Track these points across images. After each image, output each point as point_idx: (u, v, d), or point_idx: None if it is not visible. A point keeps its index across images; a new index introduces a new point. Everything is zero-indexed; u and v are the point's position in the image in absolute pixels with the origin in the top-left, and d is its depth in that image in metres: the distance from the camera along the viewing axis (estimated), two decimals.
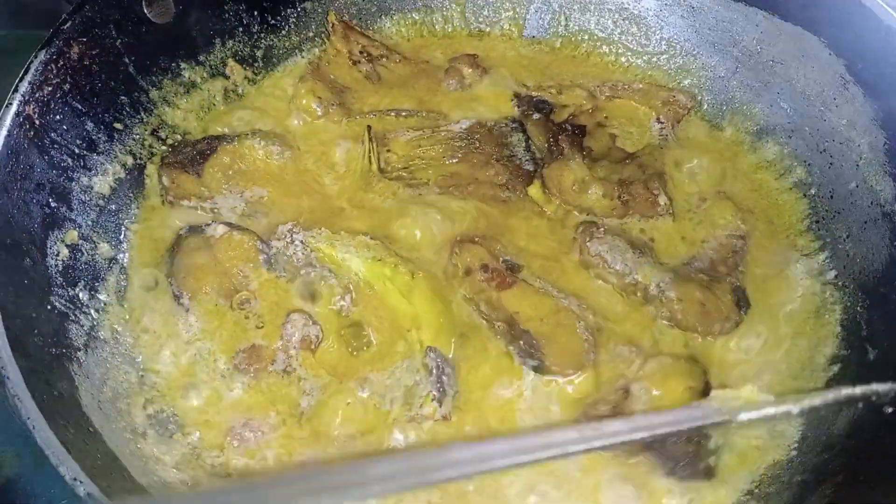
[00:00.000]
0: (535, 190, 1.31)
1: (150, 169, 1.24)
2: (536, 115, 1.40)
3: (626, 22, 1.53)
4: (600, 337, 1.14)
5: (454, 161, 1.33)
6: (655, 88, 1.46)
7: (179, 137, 1.28)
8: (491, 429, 1.07)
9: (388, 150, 1.34)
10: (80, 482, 0.76)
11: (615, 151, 1.38)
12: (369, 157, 1.31)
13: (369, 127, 1.33)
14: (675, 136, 1.41)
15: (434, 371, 1.07)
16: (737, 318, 1.18)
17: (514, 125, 1.36)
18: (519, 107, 1.41)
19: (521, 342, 1.11)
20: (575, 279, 1.20)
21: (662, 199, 1.28)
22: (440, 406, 1.05)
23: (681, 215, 1.30)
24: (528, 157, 1.33)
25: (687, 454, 1.03)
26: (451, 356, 1.10)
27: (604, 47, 1.54)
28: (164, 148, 1.26)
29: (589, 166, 1.32)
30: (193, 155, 1.24)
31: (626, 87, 1.46)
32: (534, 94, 1.43)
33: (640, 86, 1.46)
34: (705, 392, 1.06)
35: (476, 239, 1.20)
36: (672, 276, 1.19)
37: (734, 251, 1.26)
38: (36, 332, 0.94)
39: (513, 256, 1.20)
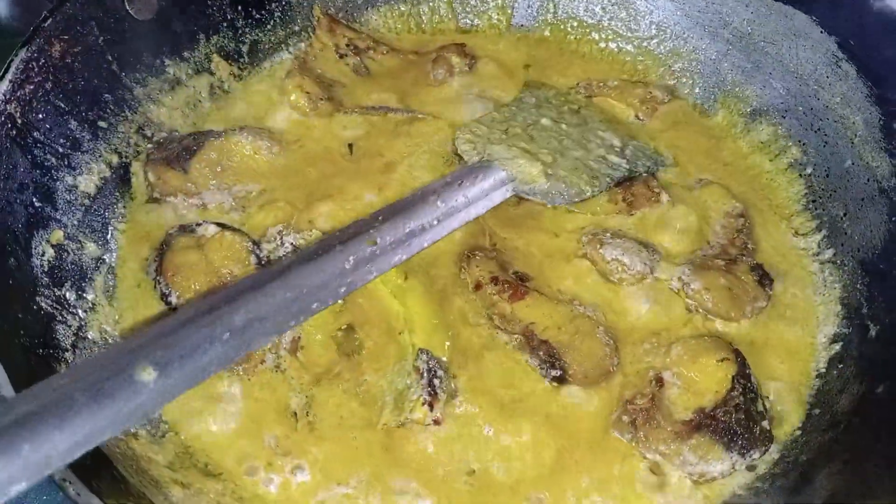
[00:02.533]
0: None
1: (136, 167, 1.23)
2: None
3: (615, 7, 1.52)
4: (621, 336, 1.12)
5: None
6: (631, 85, 1.44)
7: (165, 135, 1.26)
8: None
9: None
10: (69, 482, 0.74)
11: None
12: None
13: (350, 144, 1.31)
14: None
15: (425, 374, 1.04)
16: (765, 298, 1.16)
17: None
18: None
19: (542, 353, 1.08)
20: (584, 283, 1.17)
21: (664, 196, 1.26)
22: (431, 410, 1.02)
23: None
24: None
25: (739, 422, 1.01)
26: (444, 359, 1.07)
27: (593, 34, 1.53)
28: (149, 145, 1.24)
29: None
30: (180, 151, 1.21)
31: (602, 85, 1.44)
32: None
33: (616, 83, 1.44)
34: (740, 360, 1.04)
35: (483, 251, 1.18)
36: (690, 268, 1.17)
37: (738, 230, 1.24)
38: (22, 332, 0.92)
39: (521, 266, 1.18)
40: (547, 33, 1.54)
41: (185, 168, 1.21)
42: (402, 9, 1.52)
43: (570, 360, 1.07)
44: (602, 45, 1.53)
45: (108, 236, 1.16)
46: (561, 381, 1.07)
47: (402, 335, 1.09)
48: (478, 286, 1.13)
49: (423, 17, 1.53)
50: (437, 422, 1.03)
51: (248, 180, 1.24)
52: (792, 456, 1.04)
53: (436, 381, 1.04)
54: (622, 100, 1.43)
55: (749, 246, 1.24)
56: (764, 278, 1.19)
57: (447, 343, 1.08)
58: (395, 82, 1.41)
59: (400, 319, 1.10)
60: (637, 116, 1.42)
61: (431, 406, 1.02)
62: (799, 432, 1.07)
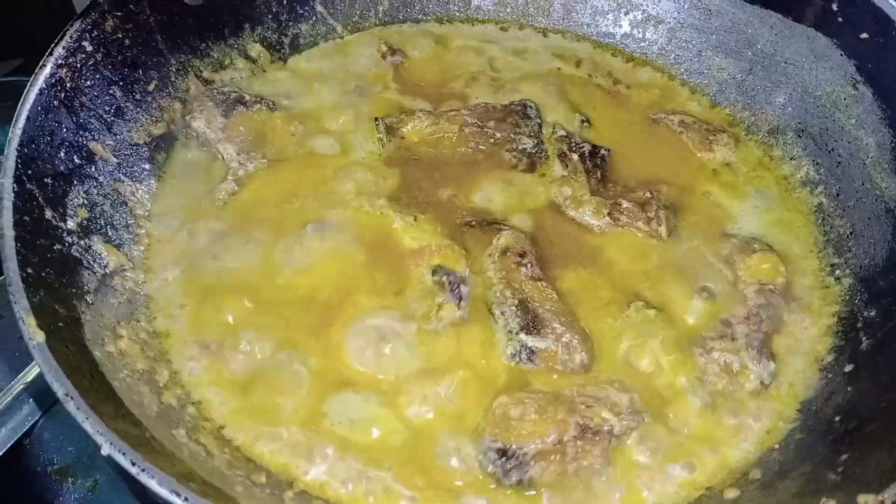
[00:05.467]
0: None
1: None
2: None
3: (644, 24, 1.56)
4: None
5: (468, 150, 1.37)
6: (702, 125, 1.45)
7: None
8: None
9: (402, 138, 1.38)
10: (71, 398, 0.81)
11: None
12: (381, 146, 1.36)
13: (377, 119, 1.37)
14: None
15: (447, 285, 1.13)
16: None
17: (526, 109, 1.39)
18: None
19: (529, 317, 1.12)
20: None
21: (662, 230, 1.27)
22: (458, 308, 1.12)
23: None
24: (533, 144, 1.36)
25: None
26: (462, 273, 1.16)
27: (619, 49, 1.58)
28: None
29: (594, 186, 1.32)
30: (228, 100, 1.32)
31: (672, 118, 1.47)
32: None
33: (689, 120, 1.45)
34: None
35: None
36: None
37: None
38: (49, 271, 1.00)
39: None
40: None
41: (226, 114, 1.31)
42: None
43: (549, 337, 1.11)
44: (626, 61, 1.57)
45: (143, 194, 1.24)
46: (530, 356, 1.10)
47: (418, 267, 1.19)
48: (505, 251, 1.18)
49: None
50: (463, 318, 1.12)
51: (265, 152, 1.33)
52: (771, 455, 1.06)
53: (461, 289, 1.14)
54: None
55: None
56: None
57: (467, 262, 1.19)
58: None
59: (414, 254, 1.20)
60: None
61: (458, 305, 1.13)
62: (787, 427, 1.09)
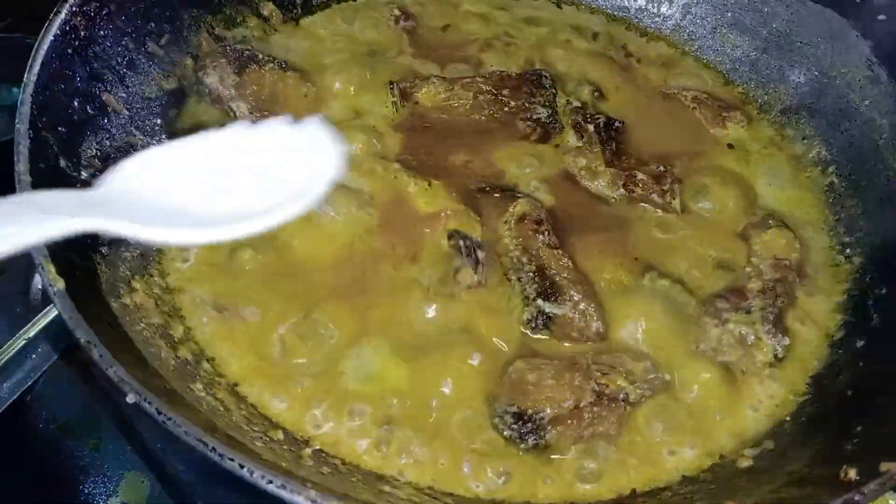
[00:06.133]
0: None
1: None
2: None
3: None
4: None
5: (482, 118, 1.35)
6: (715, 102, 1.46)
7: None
8: None
9: (416, 104, 1.37)
10: (94, 345, 0.80)
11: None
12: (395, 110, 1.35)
13: (392, 83, 1.36)
14: None
15: (463, 249, 1.11)
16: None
17: (541, 78, 1.38)
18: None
19: (546, 283, 1.11)
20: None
21: (676, 203, 1.28)
22: (475, 273, 1.10)
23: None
24: (547, 115, 1.35)
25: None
26: (477, 238, 1.15)
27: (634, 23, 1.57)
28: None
29: (608, 158, 1.32)
30: (241, 58, 1.29)
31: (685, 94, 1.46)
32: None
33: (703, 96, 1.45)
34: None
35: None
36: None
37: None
38: None
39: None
40: None
41: (238, 72, 1.28)
42: None
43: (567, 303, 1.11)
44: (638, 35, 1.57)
45: (156, 147, 1.21)
46: (547, 323, 1.10)
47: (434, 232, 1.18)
48: (521, 218, 1.17)
49: None
50: (480, 283, 1.11)
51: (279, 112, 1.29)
52: (783, 427, 1.07)
53: (478, 253, 1.13)
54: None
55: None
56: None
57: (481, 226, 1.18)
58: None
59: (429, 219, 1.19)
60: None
61: (475, 270, 1.11)
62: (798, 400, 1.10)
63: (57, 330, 1.20)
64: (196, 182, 0.78)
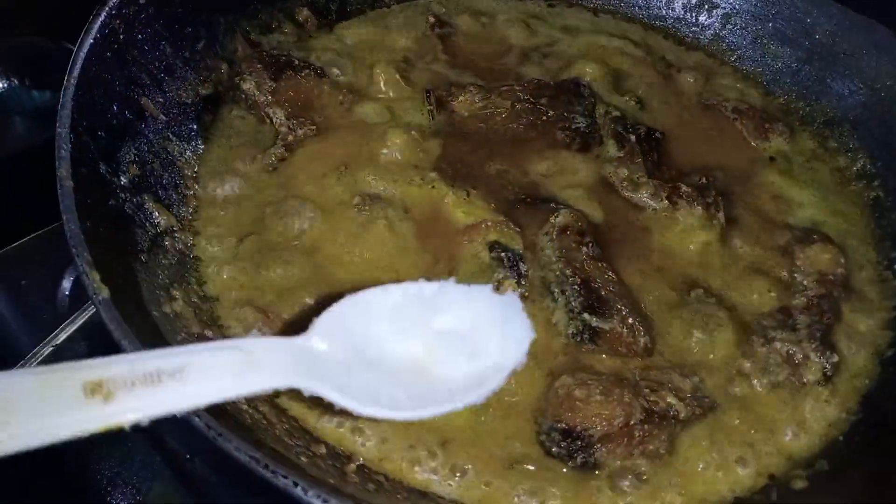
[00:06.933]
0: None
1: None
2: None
3: (697, 8, 1.54)
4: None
5: (519, 127, 1.33)
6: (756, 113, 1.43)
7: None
8: None
9: (452, 112, 1.35)
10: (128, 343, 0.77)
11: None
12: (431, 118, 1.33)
13: (428, 91, 1.33)
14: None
15: (506, 261, 1.09)
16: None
17: (579, 87, 1.36)
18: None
19: (592, 296, 1.08)
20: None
21: (720, 216, 1.24)
22: (519, 285, 1.08)
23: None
24: (586, 124, 1.33)
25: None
26: (521, 251, 1.12)
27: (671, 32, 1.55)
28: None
29: (650, 169, 1.29)
30: (277, 64, 1.28)
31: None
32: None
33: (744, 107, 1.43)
34: None
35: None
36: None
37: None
38: (105, 224, 0.95)
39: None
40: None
41: (276, 78, 1.27)
42: None
43: (615, 318, 1.08)
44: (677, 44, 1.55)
45: (192, 153, 1.20)
46: (593, 335, 1.06)
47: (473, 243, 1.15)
48: (564, 229, 1.15)
49: None
50: (525, 296, 1.09)
51: (315, 121, 1.28)
52: (837, 447, 1.04)
53: (520, 266, 1.11)
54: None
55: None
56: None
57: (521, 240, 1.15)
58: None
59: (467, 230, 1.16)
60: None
61: (518, 281, 1.09)
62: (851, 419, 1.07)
63: (86, 336, 1.18)
64: (396, 337, 0.84)
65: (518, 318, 0.94)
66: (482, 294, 0.93)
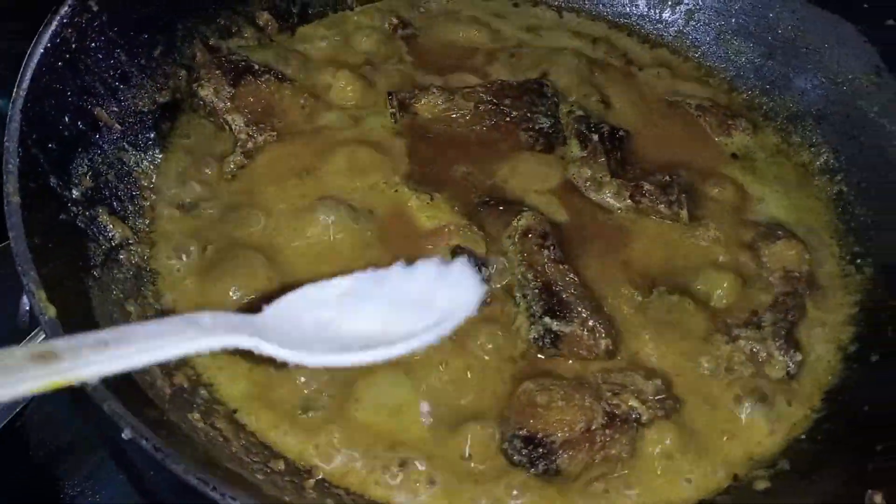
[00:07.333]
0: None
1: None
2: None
3: (661, 4, 1.53)
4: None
5: (483, 129, 1.32)
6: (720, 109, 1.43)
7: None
8: None
9: (415, 115, 1.34)
10: None
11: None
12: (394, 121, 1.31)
13: (391, 93, 1.32)
14: None
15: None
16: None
17: (543, 87, 1.35)
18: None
19: (553, 300, 1.08)
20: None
21: (683, 214, 1.24)
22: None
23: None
24: (549, 124, 1.32)
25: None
26: (484, 255, 1.12)
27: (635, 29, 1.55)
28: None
29: (613, 168, 1.28)
30: (236, 69, 1.26)
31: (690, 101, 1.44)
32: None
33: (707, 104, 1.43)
34: None
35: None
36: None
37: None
38: (55, 240, 0.94)
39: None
40: None
41: (234, 84, 1.25)
42: None
43: (576, 321, 1.07)
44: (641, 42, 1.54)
45: (148, 163, 1.18)
46: (554, 341, 1.06)
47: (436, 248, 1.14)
48: (526, 232, 1.14)
49: None
50: (488, 302, 1.08)
51: (276, 127, 1.27)
52: (800, 445, 1.04)
53: (483, 270, 1.09)
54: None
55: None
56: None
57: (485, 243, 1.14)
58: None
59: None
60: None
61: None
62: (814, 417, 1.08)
63: None
64: (346, 313, 0.86)
65: (467, 276, 0.95)
66: (429, 267, 0.92)
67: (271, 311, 0.84)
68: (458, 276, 0.94)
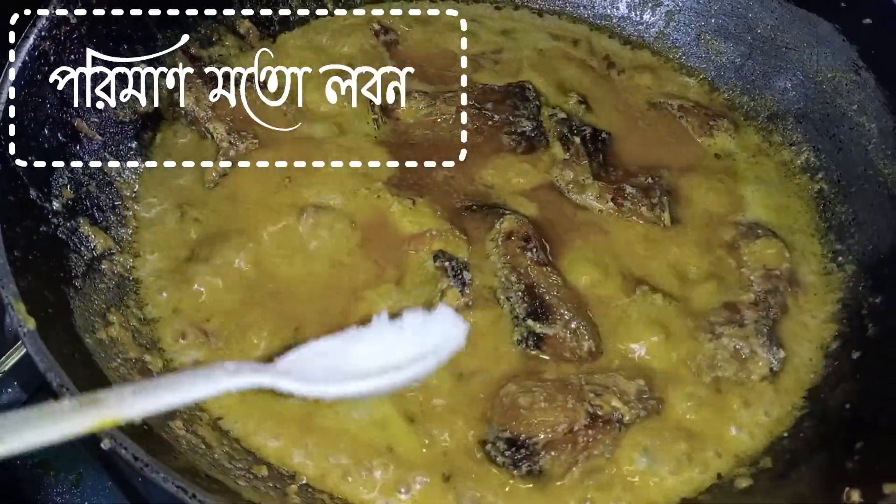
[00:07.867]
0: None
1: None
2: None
3: (641, 6, 1.54)
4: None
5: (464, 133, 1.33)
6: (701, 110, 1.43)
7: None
8: None
9: (398, 120, 1.34)
10: (67, 388, 0.76)
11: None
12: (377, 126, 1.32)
13: (371, 101, 1.32)
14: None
15: (449, 270, 1.09)
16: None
17: (525, 90, 1.36)
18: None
19: (536, 302, 1.09)
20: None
21: (665, 216, 1.24)
22: (462, 295, 1.07)
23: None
24: (532, 127, 1.32)
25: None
26: (464, 258, 1.12)
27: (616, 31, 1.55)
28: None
29: (596, 170, 1.29)
30: (217, 78, 1.26)
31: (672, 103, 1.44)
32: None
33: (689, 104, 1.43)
34: None
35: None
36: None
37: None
38: (35, 252, 0.94)
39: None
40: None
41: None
42: None
43: (558, 324, 1.08)
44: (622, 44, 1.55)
45: (130, 173, 1.19)
46: (537, 342, 1.07)
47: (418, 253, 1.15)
48: (509, 235, 1.15)
49: None
50: (468, 305, 1.08)
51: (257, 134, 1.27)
52: (781, 443, 1.04)
53: (465, 275, 1.11)
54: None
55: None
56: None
57: (469, 248, 1.15)
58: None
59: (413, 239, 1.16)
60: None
61: (462, 292, 1.09)
62: (796, 415, 1.08)
63: (29, 368, 1.16)
64: (349, 356, 0.89)
65: (450, 319, 0.94)
66: (413, 318, 0.93)
67: (284, 360, 0.87)
68: (443, 316, 0.95)
